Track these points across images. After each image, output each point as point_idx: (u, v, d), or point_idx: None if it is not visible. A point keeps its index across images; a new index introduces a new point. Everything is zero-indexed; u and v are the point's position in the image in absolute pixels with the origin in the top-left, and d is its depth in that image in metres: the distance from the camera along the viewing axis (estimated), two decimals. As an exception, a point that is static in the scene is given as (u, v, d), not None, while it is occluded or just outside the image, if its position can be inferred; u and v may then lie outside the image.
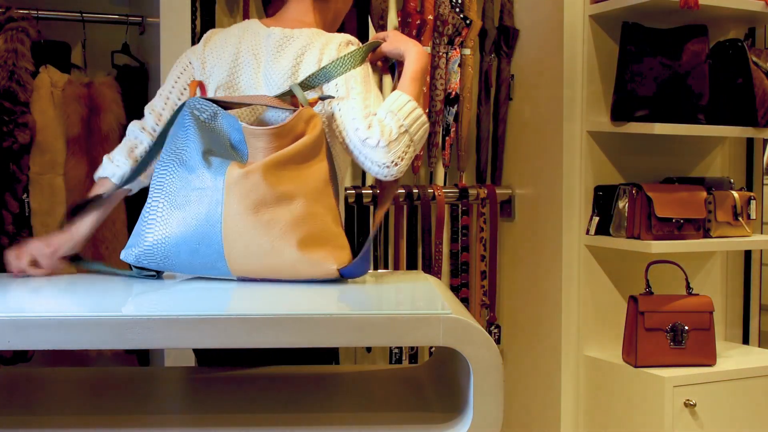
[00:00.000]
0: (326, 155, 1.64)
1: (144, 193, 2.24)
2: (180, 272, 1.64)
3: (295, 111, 1.62)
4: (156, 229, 1.59)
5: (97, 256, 2.34)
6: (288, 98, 1.68)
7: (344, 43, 1.74)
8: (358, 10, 2.68)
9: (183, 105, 1.64)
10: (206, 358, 1.84)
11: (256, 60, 1.75)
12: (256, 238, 1.54)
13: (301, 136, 1.60)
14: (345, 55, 1.70)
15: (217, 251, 1.56)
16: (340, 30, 2.64)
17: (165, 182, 1.61)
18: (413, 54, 1.74)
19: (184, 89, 1.79)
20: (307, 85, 1.68)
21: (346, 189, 2.73)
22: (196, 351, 1.86)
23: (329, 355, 1.87)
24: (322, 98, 1.67)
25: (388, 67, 1.87)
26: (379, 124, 1.63)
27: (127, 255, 1.62)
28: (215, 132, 1.63)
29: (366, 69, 1.72)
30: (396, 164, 1.64)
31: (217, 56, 1.77)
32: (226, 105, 1.67)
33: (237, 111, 1.73)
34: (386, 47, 1.79)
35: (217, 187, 1.56)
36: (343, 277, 1.57)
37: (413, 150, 1.66)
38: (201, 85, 1.74)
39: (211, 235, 1.55)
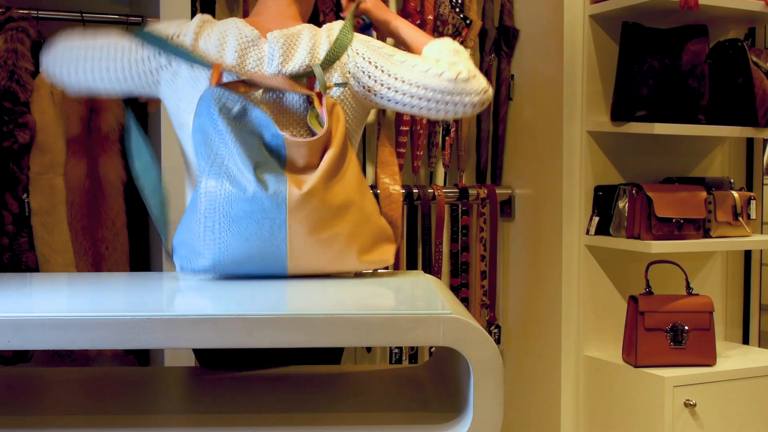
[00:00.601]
0: (351, 144, 1.68)
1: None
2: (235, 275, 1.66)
3: (311, 97, 1.63)
4: (215, 250, 1.58)
5: (97, 257, 2.34)
6: (303, 81, 1.67)
7: (336, 24, 1.77)
8: (358, 10, 2.68)
9: (206, 94, 1.59)
10: (207, 360, 1.84)
11: (260, 68, 1.71)
12: (320, 254, 1.60)
13: (332, 133, 1.62)
14: (345, 24, 1.74)
15: (280, 267, 1.60)
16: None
17: (217, 199, 1.57)
18: (401, 21, 1.86)
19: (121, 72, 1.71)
20: (327, 61, 1.69)
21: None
22: (196, 352, 1.87)
23: (333, 356, 1.88)
24: (338, 85, 1.68)
25: (361, 27, 1.91)
26: (449, 61, 1.69)
27: (183, 267, 1.64)
28: (246, 130, 1.60)
29: (375, 40, 1.77)
30: (488, 86, 1.72)
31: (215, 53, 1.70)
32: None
33: (263, 105, 1.69)
34: (371, 6, 1.89)
35: (279, 208, 1.56)
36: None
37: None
38: (217, 68, 1.65)
39: (276, 255, 1.58)
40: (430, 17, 2.76)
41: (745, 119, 2.82)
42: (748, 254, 3.18)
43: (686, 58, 2.71)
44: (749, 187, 3.14)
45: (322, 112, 1.62)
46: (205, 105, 1.59)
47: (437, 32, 2.79)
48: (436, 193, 2.86)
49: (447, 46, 1.75)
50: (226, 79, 1.64)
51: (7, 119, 2.22)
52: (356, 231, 1.61)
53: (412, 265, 2.87)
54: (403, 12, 2.73)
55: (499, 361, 1.24)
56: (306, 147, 1.59)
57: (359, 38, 1.75)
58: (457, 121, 2.88)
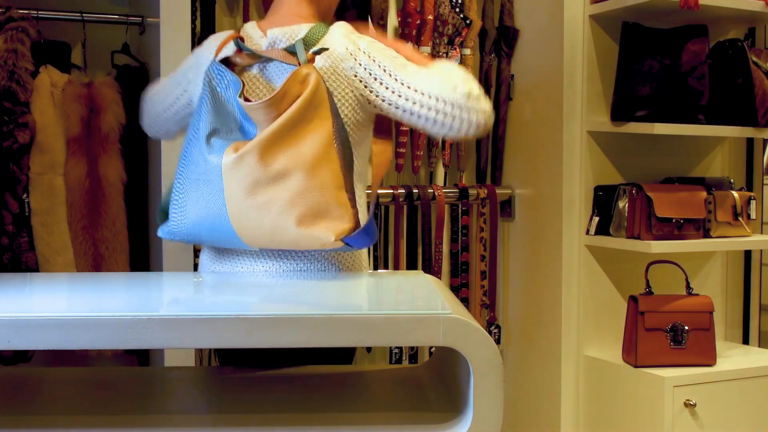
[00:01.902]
0: (330, 113, 1.64)
1: (141, 193, 2.26)
2: (205, 245, 1.79)
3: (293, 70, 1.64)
4: (177, 214, 1.69)
5: (97, 257, 2.34)
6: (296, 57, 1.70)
7: (349, 30, 1.76)
8: (358, 10, 2.68)
9: (206, 70, 1.70)
10: (229, 358, 1.86)
11: None
12: (258, 219, 1.60)
13: (292, 98, 1.61)
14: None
15: (229, 231, 1.64)
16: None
17: (185, 165, 1.69)
18: (401, 46, 1.81)
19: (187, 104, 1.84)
20: (309, 39, 1.70)
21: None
22: (218, 351, 1.89)
23: (345, 356, 1.88)
24: (315, 52, 1.67)
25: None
26: (463, 77, 1.69)
27: (161, 232, 1.75)
28: (227, 105, 1.67)
29: (389, 49, 1.75)
30: (492, 112, 1.72)
31: None
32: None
33: (257, 81, 1.74)
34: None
35: (217, 172, 1.61)
36: (349, 246, 1.63)
37: None
38: (240, 40, 1.74)
39: (221, 219, 1.63)
40: (430, 17, 2.76)
41: (745, 119, 2.82)
42: (748, 254, 3.18)
43: (686, 58, 2.71)
44: (749, 187, 3.14)
45: (287, 80, 1.62)
46: (204, 78, 1.70)
47: (437, 32, 2.79)
48: (436, 193, 2.86)
49: (456, 66, 1.74)
50: (229, 50, 1.74)
51: (7, 119, 2.22)
52: (297, 199, 1.59)
53: (412, 265, 2.87)
54: (403, 12, 2.73)
55: (499, 361, 1.24)
56: (260, 111, 1.61)
57: (365, 38, 1.74)
58: (457, 121, 2.88)
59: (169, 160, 2.23)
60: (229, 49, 1.74)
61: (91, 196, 2.33)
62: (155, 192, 2.31)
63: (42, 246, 2.28)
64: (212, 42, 1.82)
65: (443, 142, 2.89)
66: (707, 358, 2.65)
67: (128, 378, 1.70)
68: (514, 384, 2.99)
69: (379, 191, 2.77)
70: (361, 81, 1.70)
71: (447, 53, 2.82)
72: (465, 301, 2.97)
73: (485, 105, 1.69)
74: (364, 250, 1.82)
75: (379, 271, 2.80)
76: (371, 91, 1.71)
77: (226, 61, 1.73)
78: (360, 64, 1.70)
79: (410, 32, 2.73)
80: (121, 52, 2.48)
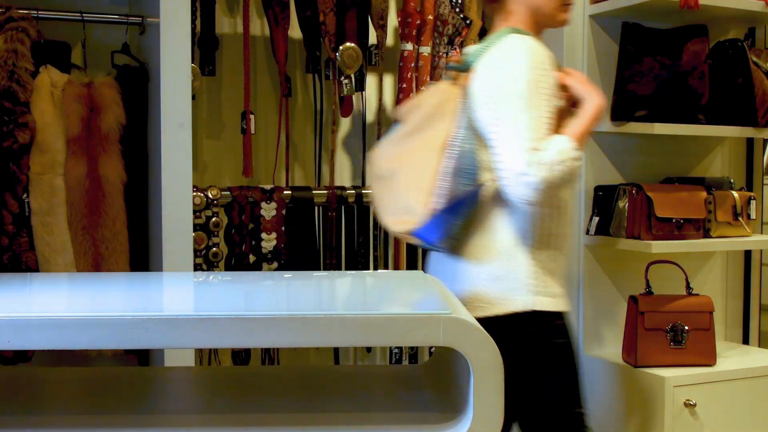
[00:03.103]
0: (451, 124, 1.87)
1: (141, 193, 2.24)
2: None
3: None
4: None
5: (97, 257, 2.34)
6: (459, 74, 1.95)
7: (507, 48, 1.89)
8: (357, 10, 2.68)
9: None
10: None
11: None
12: (375, 208, 1.98)
13: (425, 109, 1.91)
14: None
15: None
16: (341, 30, 2.65)
17: None
18: (593, 103, 1.90)
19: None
20: (473, 56, 1.91)
21: (345, 189, 2.73)
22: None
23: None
24: (452, 68, 1.97)
25: None
26: (541, 163, 1.80)
27: None
28: None
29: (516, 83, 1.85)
30: (534, 198, 1.83)
31: None
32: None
33: None
34: (570, 83, 1.95)
35: None
36: (419, 239, 1.89)
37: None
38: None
39: None
40: (430, 17, 2.76)
41: (745, 119, 2.82)
42: (748, 254, 3.18)
43: (686, 58, 2.70)
44: (749, 187, 3.14)
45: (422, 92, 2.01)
46: None
47: (437, 32, 2.79)
48: (436, 193, 2.86)
49: (564, 150, 1.78)
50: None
51: (7, 119, 2.22)
52: (384, 198, 1.92)
53: (412, 265, 2.87)
54: (403, 12, 2.73)
55: (499, 361, 1.24)
56: (398, 116, 1.98)
57: (512, 60, 1.83)
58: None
59: (170, 160, 2.24)
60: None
61: (91, 196, 2.33)
62: (155, 192, 2.31)
63: (42, 246, 2.28)
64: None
65: (443, 142, 2.89)
66: (707, 358, 2.65)
67: (128, 378, 1.70)
68: (514, 384, 2.99)
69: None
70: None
71: (447, 53, 2.82)
72: (465, 301, 2.96)
73: (532, 194, 1.77)
74: (519, 266, 1.89)
75: (379, 271, 2.80)
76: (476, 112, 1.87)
77: None
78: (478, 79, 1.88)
79: (410, 32, 2.73)
80: (121, 52, 2.48)
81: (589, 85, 1.94)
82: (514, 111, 1.79)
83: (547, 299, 1.88)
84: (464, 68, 1.90)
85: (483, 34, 2.91)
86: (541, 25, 1.99)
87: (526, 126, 1.77)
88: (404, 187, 1.86)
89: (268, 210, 2.59)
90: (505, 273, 1.87)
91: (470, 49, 1.96)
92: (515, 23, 1.96)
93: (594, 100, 1.90)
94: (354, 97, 2.77)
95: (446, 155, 1.84)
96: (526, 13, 1.96)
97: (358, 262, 2.76)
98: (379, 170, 1.92)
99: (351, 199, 2.73)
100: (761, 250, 3.21)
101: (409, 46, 2.74)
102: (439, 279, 1.80)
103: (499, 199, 1.87)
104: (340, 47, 2.65)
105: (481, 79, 1.85)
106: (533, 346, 1.89)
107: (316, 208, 2.69)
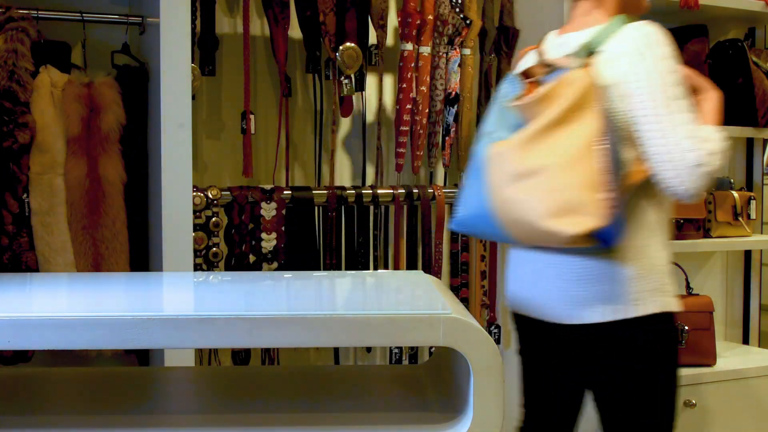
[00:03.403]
0: (598, 115, 1.69)
1: (141, 193, 2.25)
2: (486, 239, 2.05)
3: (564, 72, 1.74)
4: (461, 205, 1.88)
5: (97, 257, 2.34)
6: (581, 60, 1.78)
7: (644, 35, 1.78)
8: (357, 10, 2.68)
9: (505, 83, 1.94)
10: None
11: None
12: (514, 212, 1.72)
13: (555, 99, 1.71)
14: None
15: (495, 224, 1.77)
16: (341, 30, 2.65)
17: (471, 161, 1.89)
18: (713, 94, 1.84)
19: None
20: (593, 44, 1.77)
21: (345, 189, 2.73)
22: None
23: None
24: (588, 55, 1.76)
25: None
26: (709, 151, 1.72)
27: (451, 224, 1.93)
28: (507, 110, 1.83)
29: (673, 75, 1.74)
30: (698, 190, 1.73)
31: None
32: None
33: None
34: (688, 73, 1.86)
35: (482, 167, 1.79)
36: (599, 242, 1.68)
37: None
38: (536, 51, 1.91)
39: (485, 210, 1.78)
40: (430, 17, 2.76)
41: (745, 119, 2.82)
42: (748, 254, 3.18)
43: (686, 58, 2.70)
44: (749, 187, 3.14)
45: (554, 82, 1.73)
46: (502, 89, 1.92)
47: (437, 32, 2.79)
48: (436, 193, 2.86)
49: (721, 139, 1.72)
50: (530, 60, 1.92)
51: (7, 119, 2.22)
52: (545, 196, 1.67)
53: (412, 265, 2.87)
54: (403, 12, 2.73)
55: (499, 361, 1.24)
56: (522, 110, 1.76)
57: (657, 50, 1.74)
58: (457, 122, 2.88)
59: (170, 160, 2.24)
60: (530, 60, 1.91)
61: (91, 196, 2.33)
62: (155, 192, 2.31)
63: (42, 246, 2.28)
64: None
65: (443, 142, 2.89)
66: (707, 358, 2.65)
67: (128, 378, 1.70)
68: (515, 384, 2.99)
69: (380, 191, 2.77)
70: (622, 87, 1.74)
71: (447, 53, 2.82)
72: (465, 301, 2.97)
73: (701, 182, 1.69)
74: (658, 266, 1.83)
75: (379, 271, 2.80)
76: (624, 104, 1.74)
77: (526, 72, 1.86)
78: (630, 72, 1.73)
79: (410, 32, 2.73)
80: (121, 52, 2.48)
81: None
82: (675, 102, 1.70)
83: (674, 300, 1.84)
84: (583, 54, 1.78)
85: (483, 34, 2.92)
86: (629, 13, 1.92)
87: (689, 117, 1.70)
88: (562, 184, 1.67)
89: (268, 210, 2.59)
90: (645, 272, 1.80)
91: (582, 36, 1.84)
92: (609, 10, 1.90)
93: (712, 91, 1.85)
94: (354, 97, 2.77)
95: (598, 149, 1.69)
96: (618, 0, 1.92)
97: (358, 262, 2.76)
98: (517, 168, 1.70)
99: (351, 199, 2.73)
100: (761, 250, 3.21)
101: (409, 46, 2.74)
102: (556, 280, 1.79)
103: (640, 194, 1.79)
104: (340, 47, 2.65)
105: (622, 69, 1.73)
106: (664, 348, 1.85)
107: (316, 208, 2.69)
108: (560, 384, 2.01)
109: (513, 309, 2.01)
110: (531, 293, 1.89)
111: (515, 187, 1.70)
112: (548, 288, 1.84)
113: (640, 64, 1.72)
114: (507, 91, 1.87)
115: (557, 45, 1.90)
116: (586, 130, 1.68)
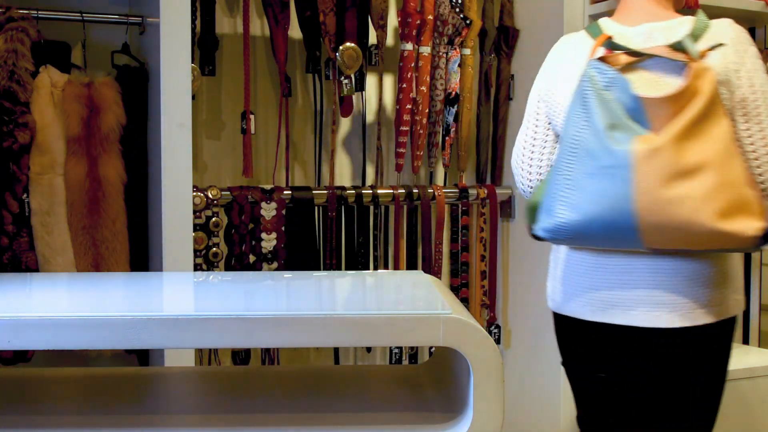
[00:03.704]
0: (725, 111, 1.65)
1: (141, 193, 2.25)
2: (590, 245, 1.74)
3: (686, 65, 1.64)
4: (566, 210, 1.67)
5: (97, 257, 2.34)
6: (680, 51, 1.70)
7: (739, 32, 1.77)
8: (357, 10, 2.69)
9: (586, 69, 1.70)
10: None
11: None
12: (670, 214, 1.59)
13: (695, 93, 1.62)
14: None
15: (630, 227, 1.62)
16: (341, 30, 2.65)
17: (575, 158, 1.67)
18: None
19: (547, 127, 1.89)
20: (693, 35, 1.72)
21: (345, 189, 2.73)
22: None
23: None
24: (713, 48, 1.69)
25: None
26: None
27: (537, 230, 1.74)
28: (609, 101, 1.67)
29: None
30: None
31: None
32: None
33: (639, 77, 1.74)
34: None
35: (625, 165, 1.61)
36: (763, 242, 1.61)
37: None
38: (608, 42, 1.76)
39: (622, 214, 1.61)
40: (430, 17, 2.76)
41: (745, 119, 2.82)
42: (748, 254, 3.18)
43: (686, 58, 2.70)
44: (749, 187, 3.13)
45: (687, 74, 1.63)
46: (584, 76, 1.70)
47: (437, 32, 2.79)
48: (436, 193, 2.86)
49: None
50: (602, 51, 1.76)
51: (7, 119, 2.22)
52: (713, 195, 1.58)
53: (412, 265, 2.87)
54: (403, 12, 2.73)
55: (499, 361, 1.24)
56: (658, 104, 1.62)
57: (752, 50, 1.73)
58: (457, 122, 2.88)
59: (170, 160, 2.23)
60: (602, 49, 1.76)
61: (91, 196, 2.33)
62: (155, 192, 2.31)
63: (42, 246, 2.28)
64: (564, 45, 1.90)
65: (443, 142, 2.89)
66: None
67: (128, 378, 1.70)
68: (514, 384, 2.99)
69: (380, 191, 2.77)
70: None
71: (447, 53, 2.82)
72: (465, 301, 2.97)
73: None
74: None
75: (379, 271, 2.80)
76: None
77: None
78: (739, 72, 1.70)
79: (410, 32, 2.73)
80: (121, 52, 2.48)
81: None
82: None
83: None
84: (692, 46, 1.73)
85: (483, 34, 2.92)
86: (679, 7, 1.93)
87: None
88: (725, 182, 1.59)
89: (268, 210, 2.59)
90: (735, 273, 1.79)
91: (665, 27, 1.79)
92: (675, 5, 1.89)
93: None
94: (354, 97, 2.77)
95: (738, 144, 1.68)
96: None
97: (358, 262, 2.76)
98: (674, 167, 1.59)
99: (351, 199, 2.73)
100: (761, 250, 3.21)
101: (409, 46, 2.74)
102: (667, 284, 1.73)
103: None
104: (340, 47, 2.65)
105: (730, 63, 1.71)
106: (729, 350, 1.83)
107: (316, 208, 2.69)
108: (633, 385, 1.86)
109: (575, 315, 1.85)
110: (621, 299, 1.78)
111: (674, 187, 1.59)
112: (652, 293, 1.75)
113: (745, 58, 1.72)
114: (601, 79, 1.70)
115: (637, 35, 1.80)
116: (725, 124, 1.63)
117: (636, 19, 1.83)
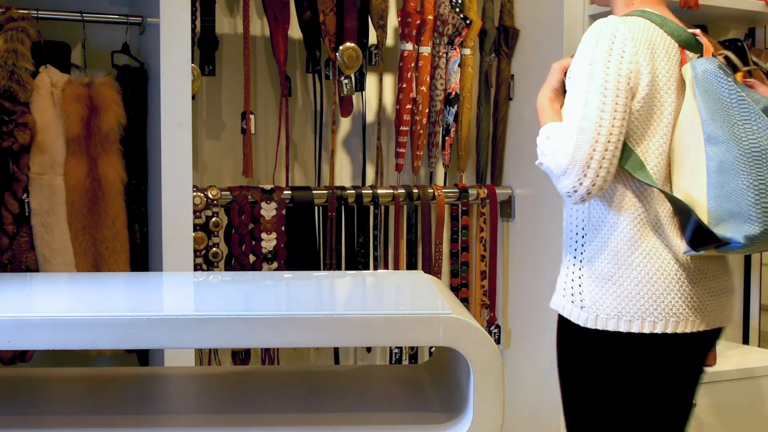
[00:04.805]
0: None
1: (141, 193, 2.24)
2: None
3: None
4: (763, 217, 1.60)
5: (97, 257, 2.34)
6: None
7: None
8: (358, 10, 2.68)
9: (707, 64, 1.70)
10: None
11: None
12: None
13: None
14: None
15: None
16: (341, 30, 2.65)
17: (762, 168, 1.61)
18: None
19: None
20: None
21: (345, 189, 2.73)
22: None
23: None
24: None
25: None
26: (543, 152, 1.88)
27: (739, 238, 1.62)
28: (748, 93, 1.67)
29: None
30: (575, 187, 1.77)
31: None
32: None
33: None
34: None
35: None
36: None
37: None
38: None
39: None
40: (430, 17, 2.76)
41: (745, 119, 2.82)
42: (748, 254, 3.18)
43: (686, 58, 2.70)
44: (749, 187, 3.13)
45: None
46: (713, 73, 1.68)
47: (437, 32, 2.79)
48: (436, 193, 2.86)
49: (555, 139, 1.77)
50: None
51: (7, 119, 2.22)
52: None
53: (412, 265, 2.87)
54: (403, 12, 2.73)
55: (499, 361, 1.24)
56: None
57: None
58: (457, 121, 2.88)
59: (170, 160, 2.23)
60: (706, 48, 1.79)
61: (91, 196, 2.33)
62: (155, 192, 2.31)
63: (42, 246, 2.28)
64: (642, 33, 1.83)
65: (443, 142, 2.89)
66: (707, 358, 2.65)
67: (128, 378, 1.70)
68: (514, 384, 2.99)
69: (380, 191, 2.77)
70: None
71: (447, 53, 2.82)
72: (465, 301, 2.97)
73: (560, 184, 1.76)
74: None
75: (379, 271, 2.80)
76: None
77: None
78: None
79: (410, 32, 2.73)
80: (121, 52, 2.48)
81: None
82: None
83: None
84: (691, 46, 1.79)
85: (483, 34, 2.92)
86: None
87: None
88: None
89: (268, 210, 2.59)
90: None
91: (682, 28, 1.85)
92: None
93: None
94: (354, 97, 2.77)
95: None
96: None
97: (358, 262, 2.76)
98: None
99: (351, 199, 2.73)
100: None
101: (409, 46, 2.74)
102: (729, 285, 1.78)
103: None
104: (340, 47, 2.65)
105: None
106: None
107: (316, 208, 2.69)
108: (682, 391, 1.89)
109: (683, 328, 1.77)
110: (719, 304, 1.80)
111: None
112: (725, 294, 1.82)
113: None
114: (728, 81, 1.67)
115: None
116: None
117: (664, 11, 1.88)
